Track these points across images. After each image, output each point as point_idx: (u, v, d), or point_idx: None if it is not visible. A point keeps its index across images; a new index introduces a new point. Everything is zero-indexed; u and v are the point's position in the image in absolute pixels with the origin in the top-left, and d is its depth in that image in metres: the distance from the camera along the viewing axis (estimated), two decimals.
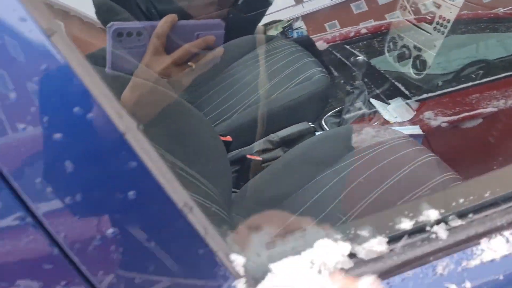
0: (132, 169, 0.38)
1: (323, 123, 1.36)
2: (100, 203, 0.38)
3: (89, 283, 0.40)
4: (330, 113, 1.36)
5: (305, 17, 2.15)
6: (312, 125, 1.30)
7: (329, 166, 0.99)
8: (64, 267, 0.39)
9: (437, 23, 1.18)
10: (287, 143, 1.29)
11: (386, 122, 1.30)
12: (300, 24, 1.91)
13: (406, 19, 1.22)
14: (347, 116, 1.30)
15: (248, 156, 1.17)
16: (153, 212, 0.40)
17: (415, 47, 1.25)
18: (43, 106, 0.36)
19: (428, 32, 1.23)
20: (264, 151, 1.25)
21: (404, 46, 1.25)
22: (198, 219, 0.41)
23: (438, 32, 1.19)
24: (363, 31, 1.46)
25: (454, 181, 0.84)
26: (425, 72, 1.25)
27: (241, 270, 0.44)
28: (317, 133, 1.28)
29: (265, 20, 1.87)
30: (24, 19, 0.35)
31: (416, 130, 1.28)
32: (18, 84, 0.35)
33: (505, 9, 1.57)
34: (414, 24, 1.23)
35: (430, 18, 1.22)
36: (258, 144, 1.26)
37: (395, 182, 0.87)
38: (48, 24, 0.36)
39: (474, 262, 0.46)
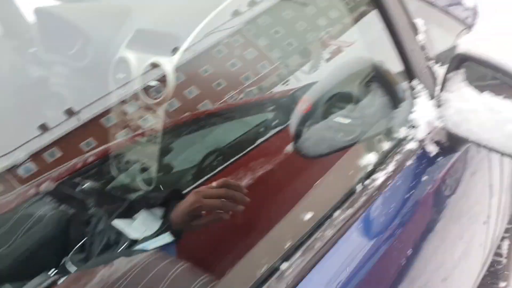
0: None
1: (69, 264, 1.18)
2: None
3: None
4: (74, 250, 1.21)
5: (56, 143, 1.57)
6: (54, 272, 1.12)
7: None
8: None
9: (150, 135, 1.24)
10: None
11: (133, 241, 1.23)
12: None
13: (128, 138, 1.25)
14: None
15: None
16: None
17: (137, 160, 1.27)
18: None
19: (144, 144, 1.28)
20: None
21: (128, 161, 1.27)
22: None
23: (153, 142, 1.25)
24: (91, 159, 1.36)
25: (207, 285, 0.81)
26: (153, 184, 1.26)
27: None
28: (59, 281, 1.09)
29: None
30: None
31: (166, 239, 1.19)
32: None
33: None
34: (133, 141, 1.27)
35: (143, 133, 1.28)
36: None
37: None
38: None
39: None
